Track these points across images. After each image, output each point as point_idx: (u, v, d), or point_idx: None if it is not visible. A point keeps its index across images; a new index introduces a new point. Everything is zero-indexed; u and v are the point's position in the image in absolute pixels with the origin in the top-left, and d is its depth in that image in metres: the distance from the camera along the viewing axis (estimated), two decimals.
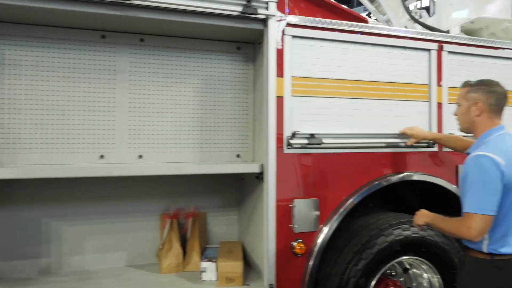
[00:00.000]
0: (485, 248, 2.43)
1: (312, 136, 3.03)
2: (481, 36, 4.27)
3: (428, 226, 2.70)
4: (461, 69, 3.50)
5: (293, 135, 3.00)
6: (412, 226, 3.22)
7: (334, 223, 3.11)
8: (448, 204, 3.34)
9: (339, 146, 3.14)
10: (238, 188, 3.75)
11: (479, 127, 2.57)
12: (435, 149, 3.49)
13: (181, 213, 3.45)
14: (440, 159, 3.52)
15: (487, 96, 2.52)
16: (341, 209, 3.13)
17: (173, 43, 3.26)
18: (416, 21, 4.28)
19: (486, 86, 2.56)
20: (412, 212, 2.85)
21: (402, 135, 3.35)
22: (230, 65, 3.43)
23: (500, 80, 2.60)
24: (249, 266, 3.39)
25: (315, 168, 3.07)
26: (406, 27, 4.59)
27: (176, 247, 3.33)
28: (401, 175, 3.32)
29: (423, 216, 2.71)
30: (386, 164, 3.32)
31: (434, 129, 3.48)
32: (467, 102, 2.59)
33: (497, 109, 2.55)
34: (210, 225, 3.71)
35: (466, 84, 2.67)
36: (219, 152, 3.38)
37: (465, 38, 3.58)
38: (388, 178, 3.27)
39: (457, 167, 3.56)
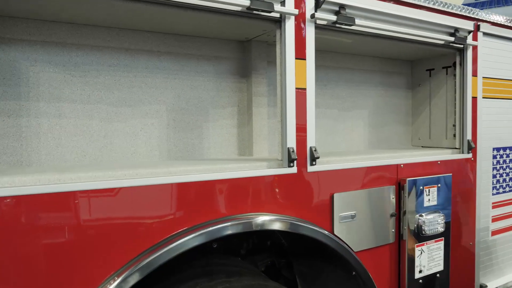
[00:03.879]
0: None
1: None
2: None
3: None
4: None
5: None
6: None
7: None
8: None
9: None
10: None
11: None
12: (294, 169, 2.01)
13: None
14: (303, 187, 2.06)
15: None
16: None
17: None
18: None
19: None
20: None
21: None
22: None
23: None
24: None
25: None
26: None
27: None
28: (211, 228, 1.76)
29: None
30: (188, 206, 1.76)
31: None
32: None
33: None
34: None
35: None
36: None
37: None
38: (181, 241, 1.68)
39: (332, 197, 2.14)
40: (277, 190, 1.99)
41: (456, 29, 2.66)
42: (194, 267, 2.17)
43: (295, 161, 2.00)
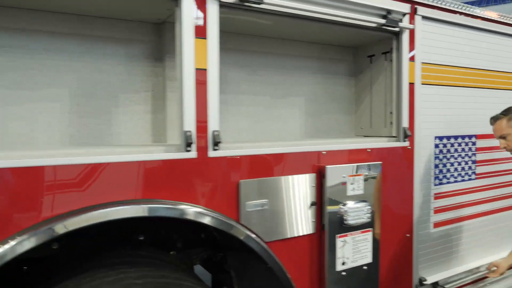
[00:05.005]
0: None
1: None
2: None
3: None
4: None
5: None
6: None
7: None
8: None
9: None
10: None
11: None
12: (193, 154, 1.91)
13: None
14: (204, 173, 1.96)
15: None
16: None
17: None
18: None
19: None
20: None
21: None
22: None
23: None
24: None
25: None
26: None
27: None
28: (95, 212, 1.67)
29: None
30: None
31: None
32: None
33: None
34: None
35: (500, 117, 2.55)
36: None
37: None
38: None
39: (238, 184, 2.03)
40: (174, 175, 1.89)
41: (388, 11, 2.55)
42: (103, 258, 2.08)
43: (192, 145, 1.90)
